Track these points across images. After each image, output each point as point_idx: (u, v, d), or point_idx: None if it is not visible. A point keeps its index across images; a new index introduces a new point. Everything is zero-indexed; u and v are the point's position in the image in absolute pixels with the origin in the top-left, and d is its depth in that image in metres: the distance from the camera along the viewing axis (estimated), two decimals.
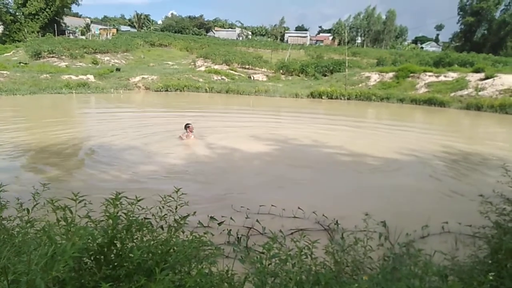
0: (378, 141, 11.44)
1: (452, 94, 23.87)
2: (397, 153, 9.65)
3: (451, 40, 70.17)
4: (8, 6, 48.54)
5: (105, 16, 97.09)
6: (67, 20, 57.06)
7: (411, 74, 27.81)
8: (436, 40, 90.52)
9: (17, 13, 48.42)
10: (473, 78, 24.99)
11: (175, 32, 70.30)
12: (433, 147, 10.50)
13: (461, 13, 61.28)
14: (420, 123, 17.68)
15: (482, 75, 24.93)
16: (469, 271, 2.08)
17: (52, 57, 35.87)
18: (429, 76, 27.25)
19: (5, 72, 24.10)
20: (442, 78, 26.62)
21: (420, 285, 1.69)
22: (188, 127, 10.06)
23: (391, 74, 28.67)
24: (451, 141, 11.67)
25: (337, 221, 4.73)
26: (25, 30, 47.41)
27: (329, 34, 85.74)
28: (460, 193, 6.62)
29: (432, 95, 23.59)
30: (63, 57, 36.39)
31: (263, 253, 1.87)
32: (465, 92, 23.82)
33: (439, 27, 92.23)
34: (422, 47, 76.74)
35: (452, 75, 26.60)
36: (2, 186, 3.02)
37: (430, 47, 77.13)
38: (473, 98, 22.31)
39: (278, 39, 78.47)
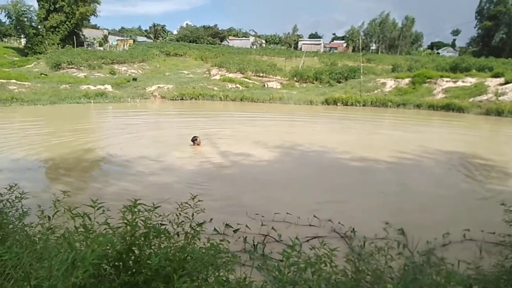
0: (395, 146, 11.26)
1: (470, 100, 23.39)
2: (414, 159, 9.49)
3: (468, 45, 68.97)
4: (31, 20, 50.35)
5: (122, 27, 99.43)
6: (86, 32, 58.67)
7: (428, 80, 27.39)
8: (453, 45, 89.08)
9: (39, 26, 50.13)
10: (492, 83, 24.45)
11: (190, 41, 71.32)
12: (453, 153, 10.27)
13: (478, 17, 60.25)
14: (439, 128, 17.36)
15: (502, 79, 24.35)
16: (494, 281, 2.01)
17: (71, 68, 36.84)
18: (447, 81, 26.79)
19: (26, 83, 24.83)
20: (460, 83, 26.13)
21: None
22: (195, 140, 10.04)
23: (407, 80, 28.31)
24: (471, 147, 11.39)
25: (353, 229, 4.66)
26: (46, 42, 48.97)
27: (343, 41, 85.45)
28: (481, 200, 6.44)
29: (450, 100, 23.15)
30: (82, 67, 37.33)
31: (281, 260, 1.85)
32: (484, 97, 23.30)
33: (456, 32, 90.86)
34: (438, 53, 75.59)
35: (470, 80, 26.09)
36: (23, 194, 3.10)
37: (446, 53, 75.90)
38: (493, 103, 21.79)
39: (292, 47, 78.66)
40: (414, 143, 12.10)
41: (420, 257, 2.79)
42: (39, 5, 50.29)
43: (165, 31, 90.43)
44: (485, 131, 17.04)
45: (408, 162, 9.24)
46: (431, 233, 4.39)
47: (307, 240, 4.40)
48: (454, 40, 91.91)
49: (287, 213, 5.06)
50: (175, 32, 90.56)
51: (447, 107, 22.35)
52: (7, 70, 32.43)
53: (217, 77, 35.38)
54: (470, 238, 4.60)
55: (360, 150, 10.45)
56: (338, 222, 4.91)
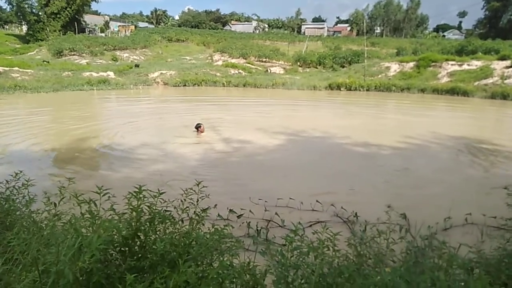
0: (399, 130, 11.23)
1: (476, 83, 23.13)
2: (418, 144, 9.47)
3: (475, 27, 67.80)
4: (32, 7, 49.97)
5: (123, 13, 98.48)
6: (87, 18, 58.17)
7: (433, 64, 27.07)
8: (459, 27, 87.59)
9: (40, 13, 49.74)
10: (498, 66, 24.13)
11: (192, 27, 70.62)
12: (458, 137, 10.23)
13: None
14: (443, 112, 17.24)
15: (508, 62, 24.03)
16: (496, 264, 2.03)
17: (73, 54, 36.68)
18: (452, 65, 26.45)
19: (29, 70, 24.82)
20: (465, 66, 25.81)
21: (445, 278, 1.66)
22: (199, 127, 10.05)
23: (411, 64, 27.99)
24: (477, 131, 11.34)
25: (356, 214, 4.69)
26: (48, 29, 48.66)
27: (347, 25, 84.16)
28: (484, 185, 6.44)
29: (455, 84, 22.92)
30: (84, 54, 37.16)
31: (284, 245, 1.87)
32: (489, 80, 23.03)
33: (462, 14, 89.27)
34: (444, 36, 74.39)
35: (476, 64, 25.75)
36: (30, 181, 3.14)
37: (452, 35, 74.67)
38: (499, 87, 21.55)
39: (295, 31, 77.68)
40: (418, 127, 12.05)
41: (422, 241, 2.81)
42: None
43: (166, 16, 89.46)
44: (491, 115, 16.89)
45: (411, 147, 9.22)
46: (433, 218, 4.42)
47: (310, 225, 4.45)
48: (460, 22, 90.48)
49: (290, 199, 5.10)
50: (176, 17, 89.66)
51: (452, 91, 22.15)
52: (10, 57, 32.35)
53: (220, 62, 35.15)
54: (472, 222, 4.62)
55: (363, 135, 10.43)
56: (341, 207, 4.94)
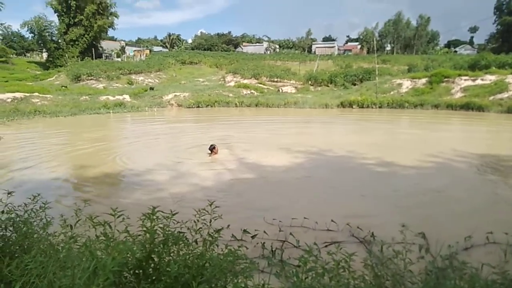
0: (414, 147, 11.07)
1: (491, 98, 22.77)
2: (434, 160, 9.28)
3: (487, 41, 67.38)
4: (52, 35, 52.29)
5: (139, 38, 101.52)
6: (104, 44, 60.25)
7: (445, 79, 26.84)
8: (471, 42, 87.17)
9: (59, 41, 51.93)
10: None
11: (205, 49, 72.22)
12: (476, 153, 10.00)
13: (497, 13, 58.82)
14: (459, 127, 16.97)
15: None
16: None
17: (91, 79, 37.82)
18: (465, 80, 26.18)
19: (48, 95, 25.64)
20: (479, 81, 25.51)
21: None
22: (213, 148, 9.96)
23: (424, 80, 27.83)
24: (494, 146, 11.08)
25: (372, 233, 4.59)
26: (66, 55, 50.60)
27: (357, 43, 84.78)
28: (504, 202, 6.25)
29: (469, 99, 22.60)
30: (101, 79, 38.27)
31: (299, 266, 1.85)
32: (505, 95, 22.64)
33: (473, 29, 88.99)
34: (455, 51, 74.03)
35: (490, 78, 25.43)
36: (47, 203, 3.20)
37: (464, 51, 74.27)
38: None
39: (306, 51, 78.54)
40: (434, 143, 11.87)
41: (443, 261, 2.72)
42: (59, 20, 52.23)
43: (180, 40, 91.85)
44: (509, 130, 16.52)
45: (429, 164, 9.04)
46: (453, 237, 4.28)
47: (326, 246, 4.37)
48: (472, 37, 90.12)
49: (305, 218, 5.03)
50: (190, 41, 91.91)
51: (467, 106, 21.83)
52: (30, 83, 33.58)
53: (232, 83, 35.64)
54: (494, 241, 4.46)
55: (379, 152, 10.32)
56: (357, 226, 4.84)
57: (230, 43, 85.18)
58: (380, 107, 24.17)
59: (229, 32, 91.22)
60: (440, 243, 4.23)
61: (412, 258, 2.64)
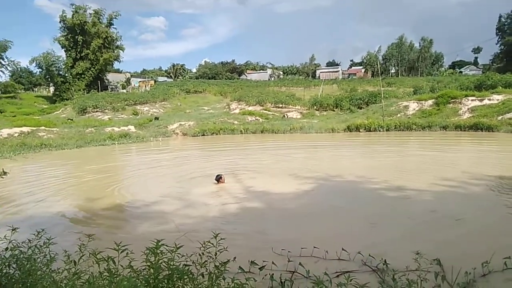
0: (425, 169, 10.90)
1: (499, 118, 22.66)
2: (447, 183, 9.08)
3: (491, 61, 67.80)
4: (59, 69, 53.99)
5: (143, 69, 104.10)
6: (110, 76, 61.95)
7: (452, 100, 26.89)
8: (475, 63, 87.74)
9: (66, 74, 53.55)
10: None
11: (209, 78, 73.61)
12: (490, 174, 9.77)
13: (499, 33, 59.63)
14: (470, 148, 16.77)
15: None
16: None
17: (96, 111, 38.61)
18: (472, 100, 26.20)
19: (54, 129, 26.08)
20: (486, 101, 25.50)
21: None
22: (220, 179, 9.83)
23: (430, 102, 27.89)
24: (509, 167, 10.85)
25: (385, 261, 4.43)
26: (73, 88, 52.01)
27: (361, 67, 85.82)
28: None
29: (478, 120, 22.52)
30: (106, 110, 39.03)
31: None
32: None
33: (477, 50, 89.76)
34: (461, 72, 74.44)
35: (497, 98, 25.42)
36: (51, 239, 3.17)
37: (469, 71, 74.65)
38: None
39: (310, 76, 79.61)
40: (446, 165, 11.72)
41: None
42: (66, 54, 54.11)
43: (184, 70, 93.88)
44: None
45: (443, 187, 8.82)
46: (470, 263, 4.12)
47: (337, 275, 4.22)
48: (476, 58, 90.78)
49: (314, 247, 4.89)
50: (194, 70, 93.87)
51: (475, 127, 21.71)
52: (37, 117, 34.33)
53: (237, 111, 36.03)
54: None
55: (390, 175, 10.16)
56: (369, 254, 4.69)
57: (234, 71, 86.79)
58: (387, 130, 24.12)
59: (233, 60, 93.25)
60: (457, 269, 4.08)
61: (427, 287, 2.52)
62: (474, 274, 3.97)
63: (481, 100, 25.80)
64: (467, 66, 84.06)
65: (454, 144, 18.11)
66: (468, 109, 25.42)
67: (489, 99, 25.60)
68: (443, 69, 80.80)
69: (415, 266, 3.77)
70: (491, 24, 60.63)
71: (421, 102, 28.51)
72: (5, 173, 2.95)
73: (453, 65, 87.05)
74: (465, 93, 27.52)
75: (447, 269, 4.10)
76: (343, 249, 4.76)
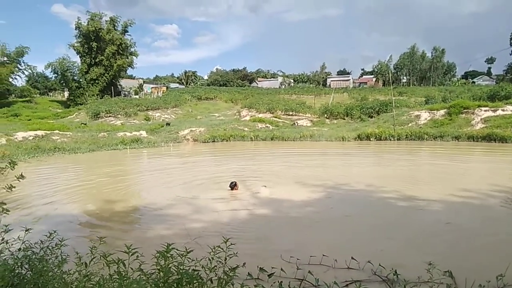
0: (437, 179, 10.75)
1: None
2: (460, 193, 8.93)
3: (505, 72, 66.88)
4: (74, 74, 55.09)
5: (156, 76, 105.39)
6: (123, 82, 62.93)
7: (465, 110, 26.53)
8: (489, 73, 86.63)
9: (80, 80, 54.59)
10: None
11: (220, 85, 74.10)
12: (504, 185, 9.59)
13: None
14: (483, 158, 16.48)
15: None
16: None
17: (109, 116, 39.14)
18: (485, 111, 25.81)
19: (68, 133, 26.49)
20: (499, 112, 25.10)
21: None
22: (234, 186, 9.76)
23: (442, 112, 27.56)
24: None
25: (396, 271, 4.36)
26: (87, 94, 52.92)
27: (372, 76, 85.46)
28: None
29: (491, 130, 22.12)
30: (119, 115, 39.54)
31: None
32: None
33: (490, 60, 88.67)
34: (473, 82, 73.55)
35: (511, 109, 24.99)
36: (63, 240, 3.20)
37: (482, 81, 73.69)
38: None
39: (321, 84, 79.54)
40: (459, 175, 11.54)
41: None
42: (81, 60, 55.22)
43: (196, 77, 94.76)
44: None
45: (455, 198, 8.67)
46: (484, 276, 4.03)
47: (346, 285, 4.17)
48: (489, 68, 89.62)
49: (324, 255, 4.85)
50: (205, 77, 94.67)
51: (489, 138, 21.33)
52: (51, 121, 34.94)
53: (247, 117, 36.12)
54: None
55: (401, 184, 10.06)
56: (379, 264, 4.63)
57: (245, 78, 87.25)
58: (398, 139, 23.88)
59: (244, 68, 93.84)
60: (470, 282, 3.99)
61: None
62: (488, 287, 3.88)
63: (494, 111, 25.40)
64: (480, 76, 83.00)
65: (467, 154, 17.81)
66: (481, 119, 25.03)
67: (503, 110, 25.18)
68: (455, 79, 80.00)
69: (427, 277, 3.71)
70: (504, 34, 60.00)
71: (433, 111, 28.21)
72: (22, 176, 3.01)
73: (466, 75, 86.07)
74: (478, 104, 27.14)
75: (461, 282, 4.03)
76: (352, 258, 4.71)
